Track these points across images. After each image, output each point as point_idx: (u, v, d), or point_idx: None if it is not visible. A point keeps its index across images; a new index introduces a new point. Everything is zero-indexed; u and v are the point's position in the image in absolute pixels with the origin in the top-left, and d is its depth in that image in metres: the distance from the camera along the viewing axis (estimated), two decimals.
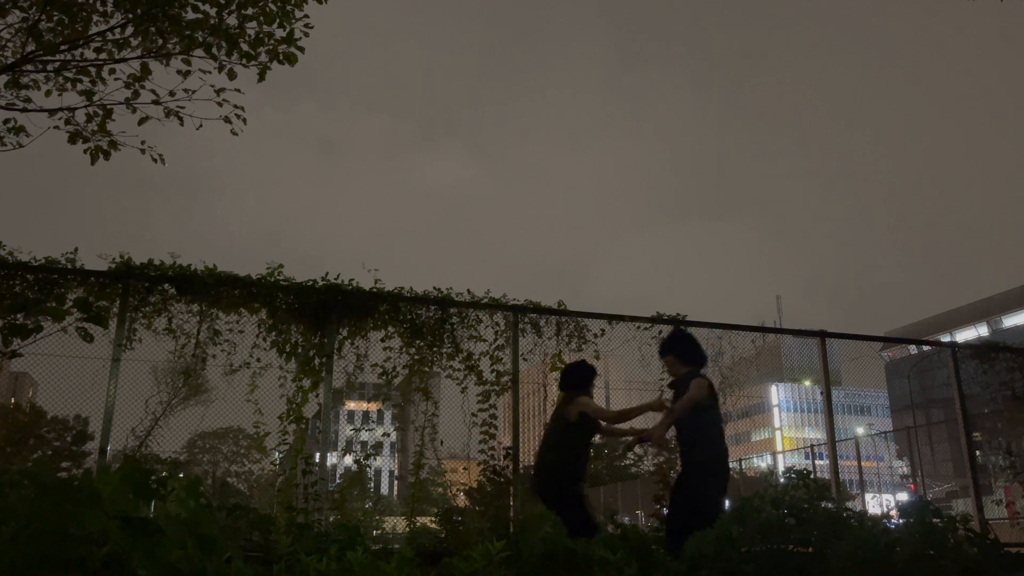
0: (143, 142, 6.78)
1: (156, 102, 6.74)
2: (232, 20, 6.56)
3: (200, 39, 6.52)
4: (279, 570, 3.67)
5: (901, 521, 4.47)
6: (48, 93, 6.76)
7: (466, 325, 7.52)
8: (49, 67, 6.64)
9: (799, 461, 39.57)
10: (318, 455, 6.97)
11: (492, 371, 7.46)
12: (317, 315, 7.12)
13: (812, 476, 4.79)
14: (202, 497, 2.54)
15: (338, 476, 8.88)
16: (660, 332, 7.89)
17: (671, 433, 5.74)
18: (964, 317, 63.86)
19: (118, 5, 6.46)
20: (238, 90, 6.73)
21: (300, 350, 7.05)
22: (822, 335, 8.71)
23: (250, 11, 6.54)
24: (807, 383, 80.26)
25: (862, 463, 20.26)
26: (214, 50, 6.59)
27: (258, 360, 6.99)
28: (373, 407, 7.81)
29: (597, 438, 6.11)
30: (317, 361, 7.06)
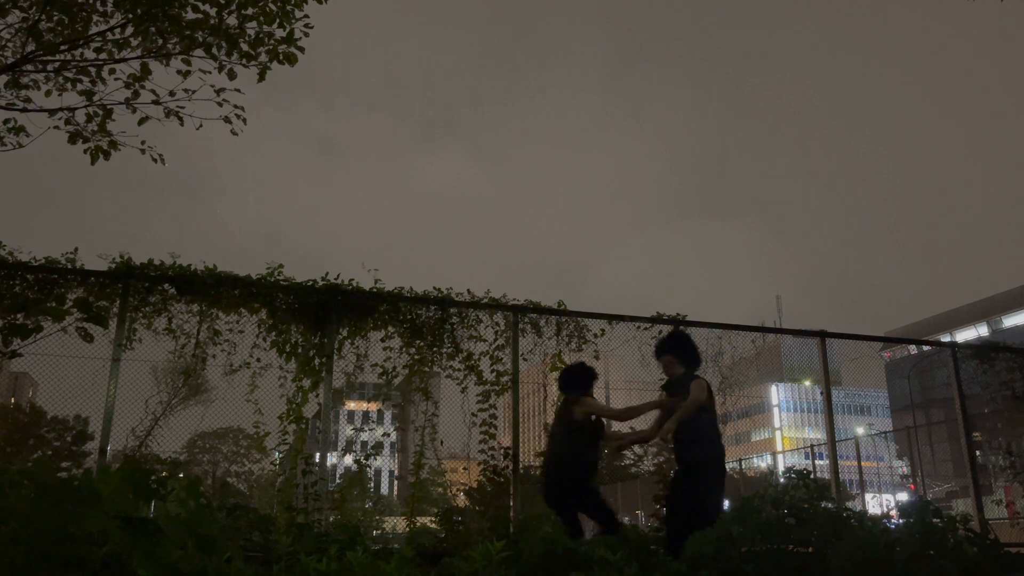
0: (143, 142, 6.78)
1: (156, 102, 6.74)
2: (232, 20, 6.56)
3: (200, 39, 6.51)
4: (279, 570, 3.67)
5: (901, 521, 4.47)
6: (48, 93, 6.76)
7: (466, 325, 7.52)
8: (49, 67, 6.64)
9: (799, 461, 39.58)
10: (318, 455, 6.97)
11: (492, 371, 7.46)
12: (317, 315, 7.12)
13: (812, 476, 4.79)
14: (202, 497, 2.54)
15: (338, 476, 8.88)
16: (660, 332, 7.88)
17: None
18: (964, 317, 63.85)
19: (118, 5, 6.46)
20: (238, 90, 6.73)
21: (300, 350, 7.05)
22: (822, 335, 8.71)
23: (250, 11, 6.54)
24: (807, 383, 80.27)
25: (862, 463, 20.26)
26: (214, 50, 6.58)
27: (258, 360, 6.99)
28: (373, 407, 7.81)
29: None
30: (317, 361, 7.06)
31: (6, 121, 6.69)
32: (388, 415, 8.29)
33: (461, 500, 8.94)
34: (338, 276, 7.27)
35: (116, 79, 6.72)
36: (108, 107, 6.75)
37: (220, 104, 6.70)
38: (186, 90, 6.65)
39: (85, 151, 6.81)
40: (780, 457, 48.43)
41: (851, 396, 74.12)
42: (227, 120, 6.79)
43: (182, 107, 6.76)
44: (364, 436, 8.49)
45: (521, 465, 7.47)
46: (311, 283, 7.12)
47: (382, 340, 7.33)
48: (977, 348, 9.98)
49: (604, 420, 5.92)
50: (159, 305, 6.90)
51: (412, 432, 7.55)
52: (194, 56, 6.62)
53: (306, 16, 6.70)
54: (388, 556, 3.84)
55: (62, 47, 6.55)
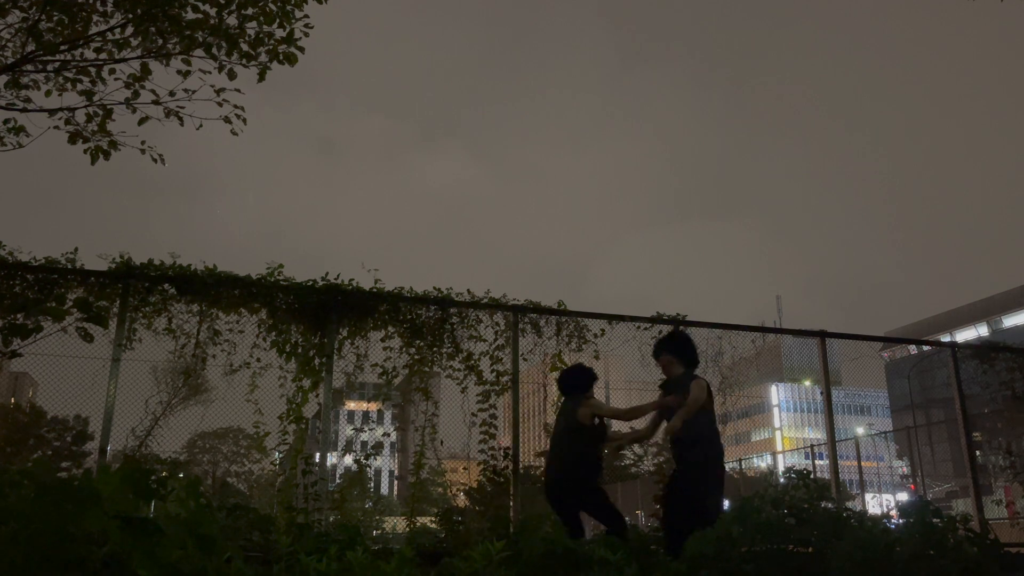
0: (143, 142, 6.78)
1: (156, 102, 6.74)
2: (232, 20, 6.56)
3: (200, 39, 6.51)
4: (279, 570, 3.67)
5: (901, 521, 4.47)
6: (48, 93, 6.76)
7: (466, 325, 7.52)
8: (49, 67, 6.64)
9: (799, 461, 39.59)
10: (318, 455, 6.97)
11: (492, 371, 7.46)
12: (317, 315, 7.12)
13: (812, 476, 4.79)
14: (202, 497, 2.54)
15: (338, 476, 8.89)
16: (660, 332, 7.88)
17: (661, 435, 5.80)
18: (964, 317, 63.86)
19: (118, 5, 6.46)
20: (238, 90, 6.73)
21: (300, 350, 7.06)
22: (822, 335, 8.72)
23: (250, 11, 6.54)
24: (807, 383, 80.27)
25: (862, 463, 20.26)
26: (214, 50, 6.58)
27: (258, 360, 6.99)
28: (373, 407, 7.81)
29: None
30: (317, 361, 7.06)
31: (6, 121, 6.69)
32: (388, 415, 8.30)
33: (461, 500, 8.94)
34: (338, 276, 7.28)
35: (116, 79, 6.72)
36: (108, 107, 6.76)
37: (220, 104, 6.70)
38: (186, 90, 6.65)
39: (85, 151, 6.81)
40: (780, 457, 48.44)
41: (851, 396, 74.13)
42: (227, 120, 6.79)
43: (182, 107, 6.76)
44: (364, 436, 8.49)
45: (521, 465, 7.47)
46: (311, 283, 7.12)
47: (382, 340, 7.33)
48: (977, 348, 9.99)
49: (607, 421, 5.92)
50: (159, 305, 6.91)
51: (412, 432, 7.56)
52: (194, 56, 6.62)
53: (306, 16, 6.70)
54: (388, 556, 3.84)
55: (62, 47, 6.55)
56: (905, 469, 34.73)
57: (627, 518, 5.64)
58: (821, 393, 8.73)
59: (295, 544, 4.31)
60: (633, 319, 7.95)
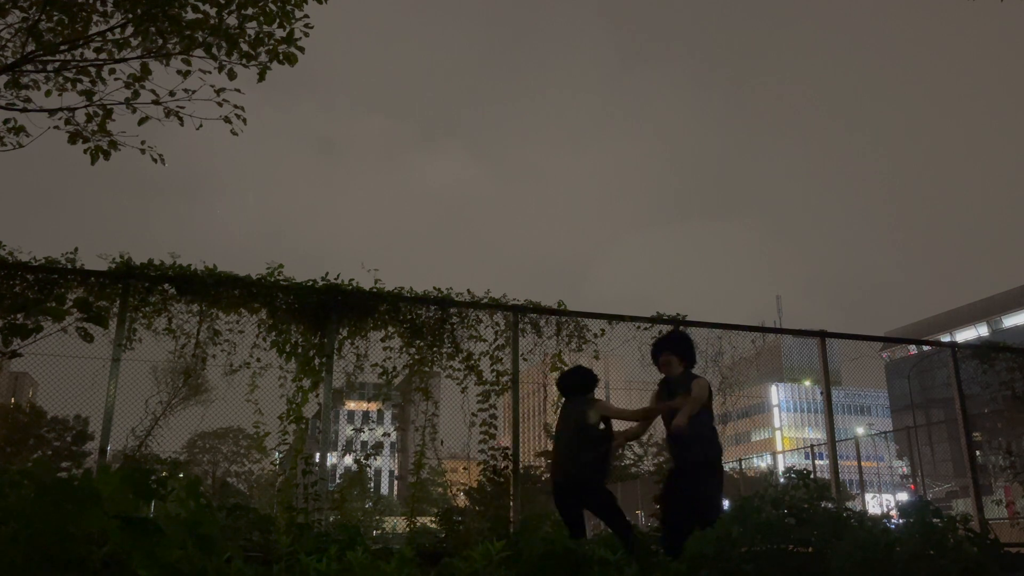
0: (143, 142, 6.78)
1: (156, 102, 6.74)
2: (232, 20, 6.56)
3: (200, 39, 6.51)
4: (279, 570, 3.67)
5: (901, 521, 4.47)
6: (48, 93, 6.76)
7: (466, 325, 7.52)
8: (49, 67, 6.64)
9: (799, 461, 39.58)
10: (318, 455, 6.97)
11: (492, 371, 7.46)
12: (317, 315, 7.12)
13: (812, 476, 4.79)
14: (202, 497, 2.54)
15: (338, 476, 8.89)
16: (660, 332, 7.88)
17: (650, 436, 5.80)
18: (964, 317, 63.86)
19: (118, 5, 6.46)
20: (238, 90, 6.73)
21: (300, 350, 7.06)
22: (822, 335, 8.72)
23: (250, 11, 6.53)
24: (807, 383, 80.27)
25: (862, 463, 20.26)
26: (214, 50, 6.58)
27: (258, 360, 6.99)
28: (373, 407, 7.81)
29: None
30: (317, 361, 7.06)
31: (6, 121, 6.70)
32: (388, 415, 8.30)
33: (461, 500, 8.93)
34: (338, 276, 7.28)
35: (116, 79, 6.72)
36: (108, 107, 6.75)
37: (220, 104, 6.70)
38: (186, 90, 6.65)
39: (85, 151, 6.81)
40: (780, 457, 48.42)
41: (851, 396, 74.12)
42: (227, 120, 6.79)
43: (182, 107, 6.76)
44: (364, 436, 8.49)
45: (521, 465, 7.47)
46: (311, 283, 7.12)
47: (382, 340, 7.33)
48: (977, 348, 9.99)
49: (611, 422, 5.91)
50: (159, 305, 6.91)
51: (412, 432, 7.56)
52: (194, 56, 6.62)
53: (306, 16, 6.70)
54: (388, 556, 3.85)
55: (62, 47, 6.55)
56: (905, 469, 34.74)
57: (627, 518, 5.61)
58: (821, 393, 8.73)
59: (295, 544, 4.31)
60: (633, 319, 7.95)
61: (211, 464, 46.08)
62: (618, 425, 5.91)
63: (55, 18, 6.47)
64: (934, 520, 4.24)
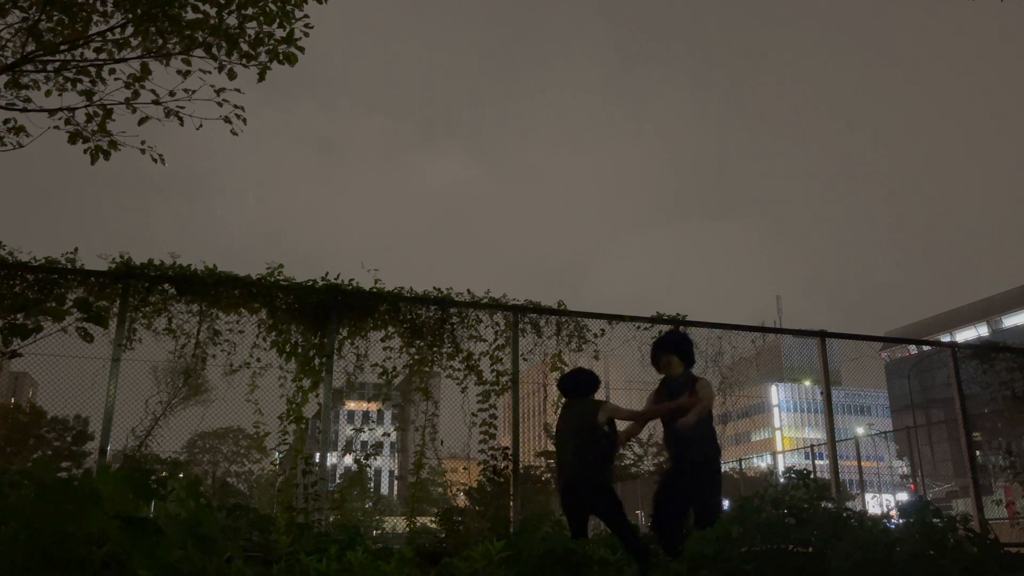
0: (143, 142, 6.77)
1: (156, 102, 6.73)
2: (232, 20, 6.55)
3: (200, 39, 6.51)
4: (279, 570, 3.67)
5: (901, 521, 4.47)
6: (48, 93, 6.76)
7: (466, 325, 7.52)
8: (49, 67, 6.64)
9: (799, 461, 39.55)
10: (318, 455, 6.97)
11: (492, 371, 7.46)
12: (317, 315, 7.12)
13: (812, 476, 4.79)
14: (202, 497, 2.54)
15: (338, 476, 8.88)
16: (660, 332, 7.88)
17: (650, 436, 5.80)
18: (964, 317, 63.82)
19: (118, 5, 6.45)
20: (238, 90, 6.73)
21: (300, 350, 7.05)
22: (822, 335, 8.71)
23: (250, 11, 6.53)
24: (807, 383, 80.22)
25: (862, 463, 20.25)
26: (214, 50, 6.58)
27: (258, 360, 6.99)
28: (373, 407, 7.80)
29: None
30: (317, 361, 7.06)
31: (6, 121, 6.69)
32: (388, 415, 8.29)
33: (461, 500, 8.93)
34: (338, 276, 7.28)
35: (116, 79, 6.72)
36: (108, 107, 6.75)
37: (220, 104, 6.69)
38: (186, 90, 6.65)
39: (85, 151, 6.81)
40: (780, 457, 48.37)
41: (851, 396, 74.07)
42: (227, 120, 6.79)
43: (182, 107, 6.76)
44: (364, 436, 8.49)
45: (521, 465, 7.46)
46: (311, 283, 7.12)
47: (382, 340, 7.33)
48: (977, 348, 9.98)
49: (615, 424, 5.91)
50: (159, 305, 6.91)
51: (412, 432, 7.55)
52: (194, 56, 6.61)
53: (306, 16, 6.70)
54: (388, 556, 3.85)
55: (62, 47, 6.54)
56: (905, 469, 34.72)
57: (632, 524, 5.59)
58: (821, 393, 8.73)
59: (295, 544, 4.31)
60: (633, 319, 7.95)
61: (211, 464, 46.04)
62: (618, 425, 5.91)
63: (55, 18, 6.47)
64: (934, 520, 4.24)
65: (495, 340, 7.56)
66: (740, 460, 29.92)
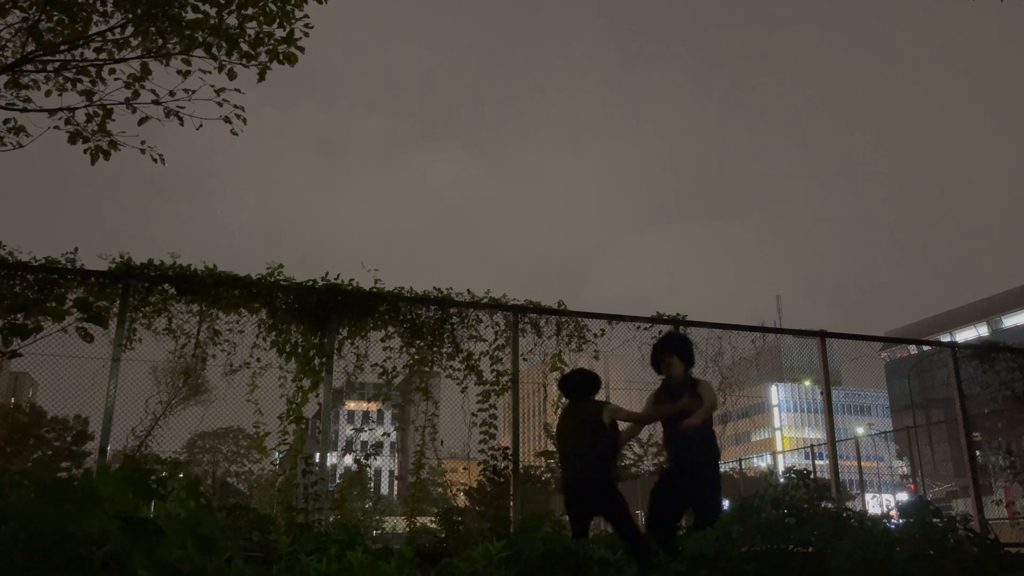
0: (143, 142, 6.77)
1: (156, 102, 6.73)
2: (232, 20, 6.56)
3: (200, 39, 6.51)
4: (279, 570, 3.68)
5: (901, 521, 4.47)
6: (48, 93, 6.76)
7: (466, 325, 7.52)
8: (49, 67, 6.64)
9: (799, 461, 39.57)
10: (318, 455, 6.97)
11: (492, 371, 7.46)
12: (317, 315, 7.12)
13: (812, 476, 4.79)
14: (202, 497, 2.54)
15: (338, 476, 8.88)
16: (660, 332, 7.89)
17: (649, 436, 5.83)
18: (964, 317, 63.84)
19: (118, 5, 6.46)
20: (238, 90, 6.73)
21: (300, 350, 7.05)
22: (822, 335, 8.72)
23: (250, 11, 6.53)
24: (807, 383, 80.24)
25: (862, 463, 20.25)
26: (214, 50, 6.58)
27: (258, 360, 6.99)
28: (373, 407, 7.81)
29: None
30: (317, 361, 7.06)
31: (6, 121, 6.69)
32: (388, 415, 8.29)
33: (461, 500, 8.93)
34: (338, 276, 7.28)
35: (116, 79, 6.72)
36: (108, 107, 6.75)
37: (220, 104, 6.69)
38: (186, 90, 6.65)
39: (85, 151, 6.81)
40: (780, 457, 48.39)
41: (851, 396, 74.09)
42: (227, 120, 6.79)
43: (182, 107, 6.76)
44: (364, 436, 8.49)
45: (521, 465, 7.46)
46: (311, 283, 7.12)
47: (382, 340, 7.33)
48: (977, 348, 9.99)
49: (617, 424, 5.91)
50: (159, 305, 6.91)
51: (412, 432, 7.55)
52: (194, 56, 6.61)
53: (306, 16, 6.70)
54: (388, 556, 3.85)
55: (62, 47, 6.54)
56: (905, 469, 34.73)
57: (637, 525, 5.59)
58: (821, 393, 8.73)
59: (295, 544, 4.32)
60: (633, 319, 7.95)
61: (211, 464, 46.04)
62: (619, 426, 5.92)
63: (55, 18, 6.47)
64: (934, 520, 4.24)
65: (495, 340, 7.56)
66: (740, 460, 29.92)
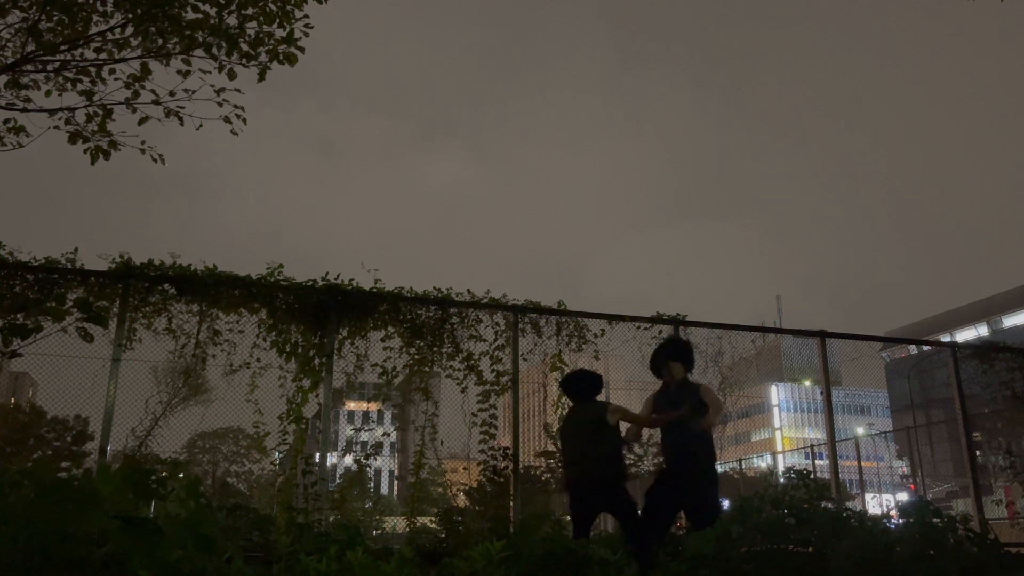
0: (143, 142, 6.77)
1: (156, 102, 6.73)
2: (232, 20, 6.56)
3: (200, 39, 6.51)
4: (279, 570, 3.67)
5: (901, 521, 4.47)
6: (48, 93, 6.76)
7: (466, 325, 7.52)
8: (49, 67, 6.64)
9: (799, 461, 39.56)
10: (318, 455, 6.97)
11: (492, 371, 7.46)
12: (317, 315, 7.12)
13: (812, 476, 4.79)
14: (202, 497, 2.54)
15: (338, 476, 8.88)
16: (660, 332, 7.89)
17: (650, 436, 5.87)
18: (964, 317, 63.81)
19: (118, 5, 6.46)
20: (238, 90, 6.73)
21: (300, 350, 7.05)
22: (822, 335, 8.71)
23: (250, 11, 6.53)
24: (807, 383, 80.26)
25: (862, 463, 20.25)
26: (214, 50, 6.58)
27: (258, 360, 6.99)
28: (373, 407, 7.81)
29: None
30: (317, 361, 7.06)
31: (6, 121, 6.69)
32: (388, 415, 8.29)
33: (461, 500, 8.93)
34: (338, 276, 7.28)
35: (116, 79, 6.72)
36: (108, 107, 6.75)
37: (220, 104, 6.69)
38: (186, 90, 6.65)
39: (85, 151, 6.81)
40: (780, 457, 48.38)
41: (851, 396, 74.07)
42: (227, 120, 6.79)
43: (182, 107, 6.76)
44: (364, 436, 8.49)
45: (521, 465, 7.46)
46: (311, 283, 7.12)
47: (382, 340, 7.33)
48: (977, 348, 9.98)
49: (620, 425, 5.92)
50: (159, 305, 6.91)
51: (412, 432, 7.55)
52: (194, 56, 6.61)
53: (306, 16, 6.70)
54: (388, 556, 3.85)
55: (62, 47, 6.54)
56: (905, 469, 34.71)
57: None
58: (821, 393, 8.73)
59: (295, 544, 4.32)
60: (633, 319, 7.95)
61: (211, 464, 46.03)
62: (620, 428, 5.93)
63: (55, 18, 6.47)
64: (934, 520, 4.24)
65: (495, 340, 7.56)
66: (740, 460, 29.93)
